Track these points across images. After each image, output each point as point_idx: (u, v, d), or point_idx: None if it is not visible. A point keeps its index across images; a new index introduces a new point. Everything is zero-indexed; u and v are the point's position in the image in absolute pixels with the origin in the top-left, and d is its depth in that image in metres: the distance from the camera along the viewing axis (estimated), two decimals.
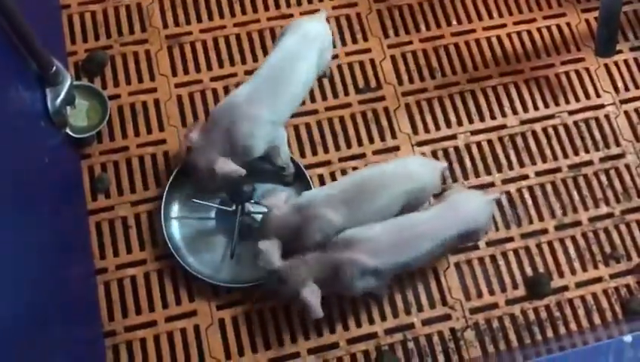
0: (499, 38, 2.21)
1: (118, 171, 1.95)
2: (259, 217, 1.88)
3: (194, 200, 1.86)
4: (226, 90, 2.06)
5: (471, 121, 2.09)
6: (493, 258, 1.94)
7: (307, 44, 1.80)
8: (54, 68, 1.63)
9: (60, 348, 1.45)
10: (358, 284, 1.61)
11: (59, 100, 1.68)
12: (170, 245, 1.82)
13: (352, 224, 1.64)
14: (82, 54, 2.07)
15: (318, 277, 1.61)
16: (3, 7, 1.34)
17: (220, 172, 1.68)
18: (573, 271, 1.94)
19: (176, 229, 1.89)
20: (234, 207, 1.84)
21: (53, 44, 2.03)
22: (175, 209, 1.91)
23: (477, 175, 2.03)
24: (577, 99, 2.15)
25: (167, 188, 1.88)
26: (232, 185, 1.72)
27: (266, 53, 2.12)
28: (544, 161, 2.06)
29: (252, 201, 1.81)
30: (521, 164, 2.05)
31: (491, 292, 1.90)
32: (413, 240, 1.61)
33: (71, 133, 1.83)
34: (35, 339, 1.31)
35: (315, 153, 2.03)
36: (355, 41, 2.17)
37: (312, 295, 1.58)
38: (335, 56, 2.14)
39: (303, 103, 2.06)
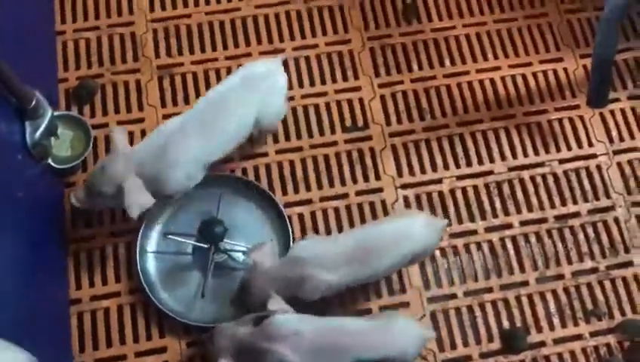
0: (492, 80, 2.18)
1: None
2: (235, 255, 1.88)
3: (169, 236, 1.86)
4: None
5: (457, 166, 2.06)
6: (470, 308, 1.90)
7: (250, 86, 1.77)
8: (34, 102, 1.65)
9: None
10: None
11: (38, 133, 1.70)
12: (142, 280, 1.83)
13: (349, 283, 1.62)
14: (73, 82, 2.09)
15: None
16: None
17: (130, 197, 1.65)
18: (551, 327, 1.89)
19: (151, 263, 1.90)
20: (208, 245, 1.84)
21: (46, 70, 2.07)
22: (153, 242, 1.92)
23: (460, 221, 2.00)
24: (569, 148, 2.10)
25: (145, 221, 1.89)
26: (203, 225, 1.72)
27: None
28: (530, 210, 2.02)
29: (225, 241, 1.80)
30: (506, 213, 2.01)
31: (465, 344, 1.87)
32: (335, 351, 1.55)
33: (53, 164, 1.85)
34: None
35: (296, 191, 2.02)
36: (345, 78, 2.16)
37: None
38: (324, 94, 2.13)
39: (288, 139, 2.07)
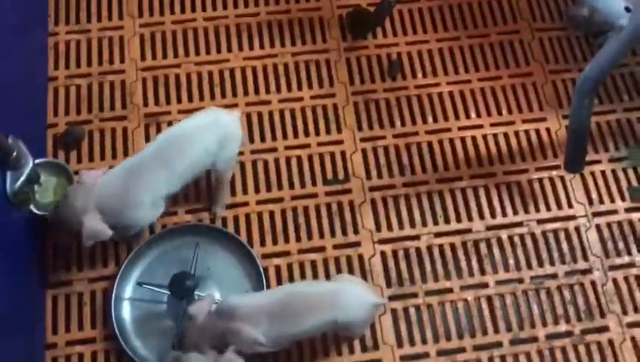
0: (474, 138, 2.20)
1: (79, 246, 1.99)
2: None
3: (144, 285, 1.88)
4: None
5: (436, 223, 2.08)
6: None
7: (207, 130, 1.84)
8: (15, 153, 1.70)
9: None
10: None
11: (19, 183, 1.74)
12: (115, 327, 1.85)
13: (274, 342, 1.63)
14: (62, 127, 2.15)
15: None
16: None
17: (86, 226, 1.73)
18: None
19: (127, 310, 1.92)
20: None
21: (36, 116, 2.13)
22: (129, 289, 1.94)
23: (436, 279, 2.01)
24: (548, 208, 2.11)
25: (122, 268, 1.91)
26: (174, 279, 1.74)
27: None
28: (507, 270, 2.02)
29: (196, 294, 1.82)
30: (482, 272, 2.02)
31: None
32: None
33: (35, 211, 1.89)
34: None
35: (275, 242, 2.04)
36: (328, 131, 2.20)
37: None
38: (307, 146, 2.17)
39: (269, 190, 2.10)
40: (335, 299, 1.65)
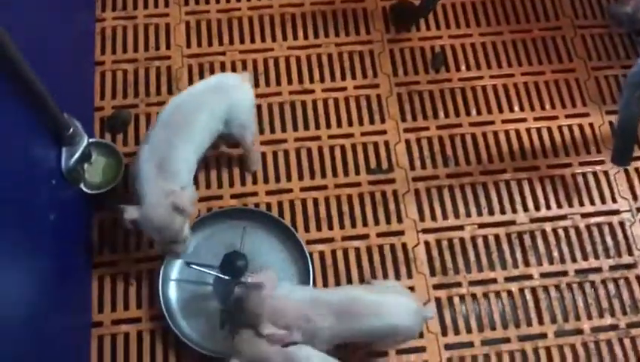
0: (517, 132, 2.21)
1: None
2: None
3: (192, 265, 1.89)
4: (241, 156, 2.11)
5: (480, 214, 2.08)
6: (487, 357, 1.89)
7: (213, 94, 1.81)
8: (71, 129, 1.71)
9: None
10: None
11: (73, 159, 1.76)
12: (163, 308, 1.85)
13: (332, 338, 1.62)
14: (109, 110, 2.17)
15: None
16: (24, 77, 1.43)
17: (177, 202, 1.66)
18: None
19: (173, 291, 1.92)
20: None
21: (83, 99, 2.14)
22: (175, 271, 1.95)
23: (480, 269, 2.00)
24: (592, 203, 2.11)
25: None
26: (226, 259, 1.75)
27: (284, 123, 2.18)
28: (551, 262, 2.02)
29: (247, 275, 1.82)
30: (527, 264, 2.02)
31: None
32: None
33: (85, 189, 1.90)
34: None
35: (319, 229, 2.04)
36: (372, 121, 2.20)
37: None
38: (351, 135, 2.18)
39: (313, 178, 2.10)
40: (392, 309, 1.62)
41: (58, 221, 1.72)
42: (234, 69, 2.27)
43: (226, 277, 1.87)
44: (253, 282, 1.60)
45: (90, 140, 1.87)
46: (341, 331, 1.60)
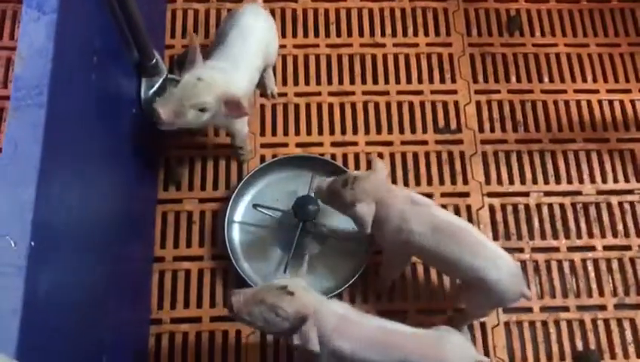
0: (589, 102, 2.17)
1: (192, 167, 2.01)
2: (318, 236, 1.90)
3: (258, 208, 1.89)
4: (309, 105, 2.10)
5: (546, 182, 2.05)
6: (544, 324, 1.89)
7: (259, 18, 1.83)
8: (154, 60, 1.70)
9: (110, 324, 1.49)
10: None
11: (152, 91, 1.75)
12: (228, 248, 1.86)
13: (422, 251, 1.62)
14: (179, 49, 2.15)
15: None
16: (124, 2, 1.42)
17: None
18: (626, 355, 1.87)
19: (236, 233, 1.93)
20: (295, 222, 1.86)
21: (154, 35, 2.12)
22: (239, 213, 1.95)
23: (543, 237, 1.99)
24: None
25: (235, 192, 1.92)
26: (299, 201, 1.75)
27: (353, 76, 2.15)
28: (615, 235, 2.00)
29: (314, 221, 1.83)
30: (590, 235, 2.00)
31: (536, 359, 1.85)
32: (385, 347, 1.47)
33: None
34: (90, 309, 1.37)
35: None
36: (442, 80, 2.17)
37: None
38: (420, 92, 2.15)
39: (379, 132, 2.08)
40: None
41: (133, 151, 1.72)
42: (305, 17, 2.24)
43: (292, 222, 1.87)
44: None
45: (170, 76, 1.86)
46: (432, 247, 1.58)
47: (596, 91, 2.18)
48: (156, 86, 1.76)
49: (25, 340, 0.99)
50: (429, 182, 2.04)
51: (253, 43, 1.79)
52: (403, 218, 1.58)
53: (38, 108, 1.12)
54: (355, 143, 2.08)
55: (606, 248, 1.98)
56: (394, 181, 2.03)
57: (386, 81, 2.16)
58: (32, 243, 1.03)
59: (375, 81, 2.16)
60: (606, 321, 1.90)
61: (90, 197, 1.39)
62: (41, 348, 1.06)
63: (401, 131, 2.11)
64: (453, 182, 2.04)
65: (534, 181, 2.05)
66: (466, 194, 2.03)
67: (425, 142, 2.09)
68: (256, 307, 1.41)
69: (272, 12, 2.22)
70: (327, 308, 1.45)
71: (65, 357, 1.18)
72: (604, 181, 2.07)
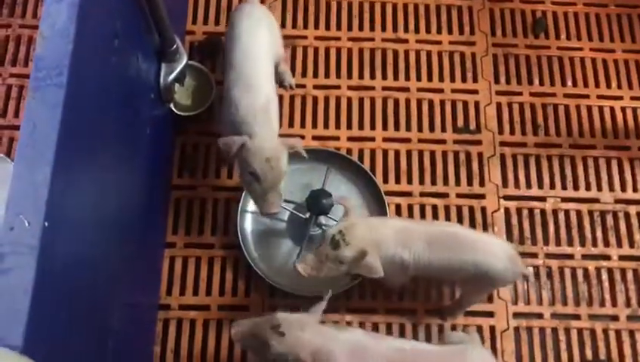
0: (612, 109, 2.13)
1: (208, 154, 2.01)
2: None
3: None
4: (327, 98, 2.08)
5: (564, 187, 2.03)
6: (554, 331, 1.87)
7: (256, 23, 1.78)
8: (175, 46, 1.70)
9: (118, 307, 1.49)
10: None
11: (171, 77, 1.75)
12: (239, 238, 1.86)
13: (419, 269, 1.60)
14: (199, 35, 2.14)
15: None
16: None
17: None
18: None
19: (248, 223, 1.93)
20: (307, 215, 1.85)
21: (175, 21, 2.11)
22: (252, 203, 1.94)
23: (558, 243, 1.96)
24: None
25: None
26: (313, 195, 1.73)
27: (373, 70, 2.13)
28: (631, 246, 1.97)
29: (327, 215, 1.82)
30: (606, 243, 1.97)
31: None
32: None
33: (174, 110, 1.90)
34: (99, 292, 1.37)
35: (397, 181, 2.01)
36: (464, 79, 2.15)
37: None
38: (440, 90, 2.13)
39: (397, 129, 2.07)
40: (488, 246, 1.58)
41: (150, 136, 1.72)
42: (328, 9, 2.22)
43: (303, 216, 1.86)
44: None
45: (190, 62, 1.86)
46: (432, 261, 1.57)
47: (620, 98, 2.15)
48: (175, 72, 1.75)
49: (34, 320, 0.99)
50: (445, 182, 2.02)
51: (261, 58, 1.75)
52: (396, 245, 1.56)
53: (58, 88, 1.11)
54: (372, 139, 2.06)
55: (622, 258, 1.95)
56: (409, 180, 2.01)
57: (407, 78, 2.14)
58: (46, 224, 1.03)
59: (396, 77, 2.14)
60: (617, 332, 1.87)
61: (105, 180, 1.39)
62: (49, 328, 1.06)
63: (420, 129, 2.09)
64: (470, 183, 2.02)
65: (552, 186, 2.03)
66: (482, 196, 2.00)
67: (443, 141, 2.07)
68: (250, 341, 1.42)
69: (295, 2, 2.21)
70: (337, 341, 1.40)
71: (71, 339, 1.18)
72: (623, 189, 2.03)
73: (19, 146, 1.08)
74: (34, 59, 1.13)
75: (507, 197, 2.01)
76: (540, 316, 1.88)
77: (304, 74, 2.13)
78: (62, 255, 1.11)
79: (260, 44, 1.76)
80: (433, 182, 2.02)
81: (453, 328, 1.85)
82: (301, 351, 1.37)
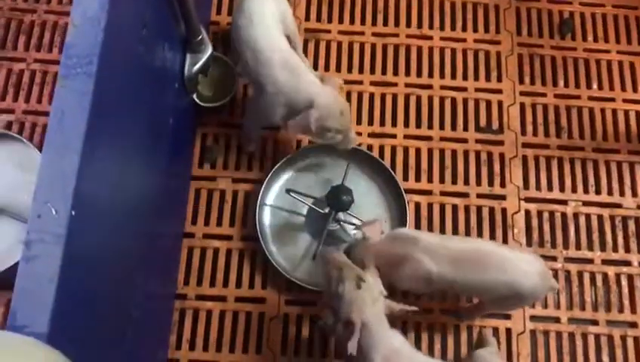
0: (638, 113, 2.10)
1: (228, 146, 2.01)
2: (347, 227, 1.88)
3: (291, 193, 1.88)
4: (349, 94, 2.07)
5: (586, 191, 2.00)
6: (571, 336, 1.85)
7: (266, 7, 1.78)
8: (200, 36, 1.69)
9: (138, 296, 1.49)
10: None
11: (195, 67, 1.74)
12: (258, 230, 1.86)
13: (444, 283, 1.58)
14: (224, 26, 2.14)
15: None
16: None
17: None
18: None
19: (267, 216, 1.93)
20: (327, 211, 1.85)
21: (200, 11, 2.11)
22: (271, 197, 1.94)
23: (578, 247, 1.94)
24: None
25: (269, 175, 1.91)
26: (333, 190, 1.73)
27: (397, 66, 2.12)
28: None
29: (347, 212, 1.81)
30: (627, 249, 1.95)
31: None
32: None
33: (197, 101, 1.90)
34: (121, 281, 1.37)
35: (418, 179, 2.00)
36: (488, 78, 2.12)
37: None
38: (464, 89, 2.11)
39: (419, 126, 2.05)
40: (517, 265, 1.55)
41: (173, 126, 1.72)
42: (353, 4, 2.21)
43: (322, 211, 1.86)
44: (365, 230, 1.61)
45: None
46: (458, 280, 1.56)
47: None
48: (200, 63, 1.75)
49: (59, 309, 0.99)
50: (466, 182, 2.01)
51: (271, 26, 1.77)
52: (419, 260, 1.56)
53: (87, 77, 1.11)
54: (393, 136, 2.05)
55: None
56: (430, 179, 2.00)
57: (430, 75, 2.13)
58: (73, 213, 1.03)
59: (419, 74, 2.13)
60: (636, 339, 1.86)
61: (129, 170, 1.39)
62: (72, 317, 1.06)
63: (442, 127, 2.07)
64: (491, 183, 2.00)
65: (574, 189, 2.01)
66: (503, 197, 1.99)
67: (465, 140, 2.05)
68: (333, 270, 1.48)
69: None
70: (385, 333, 1.43)
71: (93, 328, 1.19)
72: None
73: (47, 134, 1.08)
74: (64, 46, 1.13)
75: (528, 199, 1.99)
76: (557, 320, 1.87)
77: (327, 68, 2.12)
78: (87, 244, 1.11)
79: (267, 15, 1.76)
80: (454, 182, 2.01)
81: (469, 329, 1.84)
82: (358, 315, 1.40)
